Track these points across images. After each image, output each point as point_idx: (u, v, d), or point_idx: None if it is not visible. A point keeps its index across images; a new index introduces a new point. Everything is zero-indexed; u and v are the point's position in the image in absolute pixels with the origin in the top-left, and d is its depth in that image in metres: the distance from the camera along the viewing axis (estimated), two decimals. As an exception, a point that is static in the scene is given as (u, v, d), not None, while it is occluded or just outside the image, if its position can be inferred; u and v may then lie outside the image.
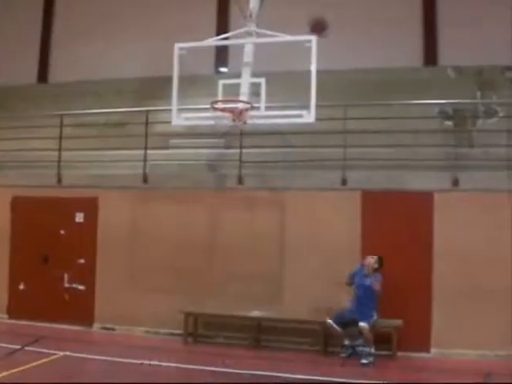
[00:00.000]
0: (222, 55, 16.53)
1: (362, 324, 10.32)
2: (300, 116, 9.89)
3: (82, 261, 12.86)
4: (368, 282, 10.64)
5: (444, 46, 15.38)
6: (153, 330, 12.25)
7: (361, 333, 10.41)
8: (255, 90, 10.11)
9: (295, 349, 11.21)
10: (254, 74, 10.27)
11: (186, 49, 10.34)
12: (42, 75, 18.48)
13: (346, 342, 10.73)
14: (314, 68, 9.63)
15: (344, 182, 11.56)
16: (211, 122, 10.37)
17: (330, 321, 10.55)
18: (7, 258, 13.28)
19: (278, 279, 11.68)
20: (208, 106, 10.11)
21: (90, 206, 12.84)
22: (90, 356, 10.34)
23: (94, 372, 9.60)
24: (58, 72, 18.23)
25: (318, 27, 10.09)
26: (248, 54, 10.40)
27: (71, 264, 12.89)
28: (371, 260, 10.79)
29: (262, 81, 9.95)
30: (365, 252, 11.01)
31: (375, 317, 10.52)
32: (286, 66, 13.48)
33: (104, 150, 13.45)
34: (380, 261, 10.79)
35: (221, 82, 10.21)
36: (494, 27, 14.66)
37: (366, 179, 11.55)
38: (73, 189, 12.97)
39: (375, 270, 10.74)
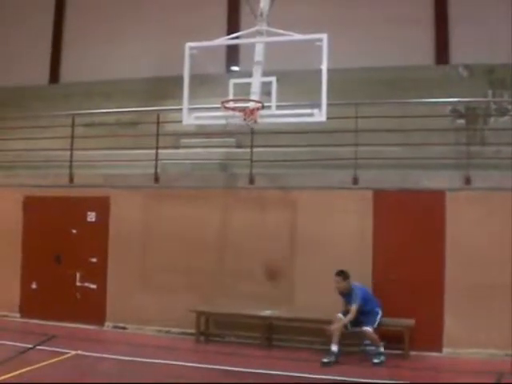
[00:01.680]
0: (232, 54, 16.54)
1: (365, 329, 10.35)
2: (311, 115, 9.85)
3: (94, 260, 12.89)
4: (355, 303, 10.42)
5: (456, 45, 15.32)
6: (164, 329, 12.27)
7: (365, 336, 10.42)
8: (266, 89, 10.09)
9: (307, 348, 11.19)
10: (265, 73, 10.25)
11: (197, 48, 10.31)
12: (54, 75, 18.54)
13: (334, 348, 10.30)
14: (325, 67, 9.58)
15: (355, 181, 11.53)
16: (222, 122, 10.35)
17: (340, 314, 10.50)
18: (19, 257, 13.33)
19: (290, 278, 11.68)
20: (219, 106, 10.10)
21: (102, 206, 12.88)
22: (101, 355, 10.38)
23: (106, 371, 9.61)
24: (70, 72, 18.29)
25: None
26: (259, 53, 10.37)
27: (83, 263, 12.93)
28: (337, 278, 10.60)
29: (273, 80, 9.94)
30: (376, 251, 11.00)
31: (380, 314, 10.49)
32: (297, 64, 13.44)
33: (115, 149, 13.49)
34: (343, 273, 10.61)
35: (232, 82, 10.19)
36: (505, 25, 14.58)
37: (377, 178, 11.52)
38: (84, 188, 13.01)
39: (347, 283, 10.58)
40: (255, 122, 9.97)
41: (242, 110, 9.88)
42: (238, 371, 9.53)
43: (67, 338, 11.42)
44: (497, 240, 10.66)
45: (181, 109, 10.49)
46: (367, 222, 11.37)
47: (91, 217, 13.03)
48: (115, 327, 12.63)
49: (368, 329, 10.34)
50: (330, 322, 10.78)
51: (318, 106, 9.67)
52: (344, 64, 13.59)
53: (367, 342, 10.62)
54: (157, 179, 12.70)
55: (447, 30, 15.42)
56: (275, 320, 11.58)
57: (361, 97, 12.78)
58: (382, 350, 10.31)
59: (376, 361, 10.19)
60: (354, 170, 11.56)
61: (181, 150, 13.84)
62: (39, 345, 10.75)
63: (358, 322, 10.48)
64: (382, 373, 9.81)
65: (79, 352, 10.34)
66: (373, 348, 10.45)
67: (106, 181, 12.97)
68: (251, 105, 9.90)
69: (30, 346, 10.58)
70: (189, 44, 10.29)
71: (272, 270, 10.37)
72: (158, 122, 12.99)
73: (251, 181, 12.13)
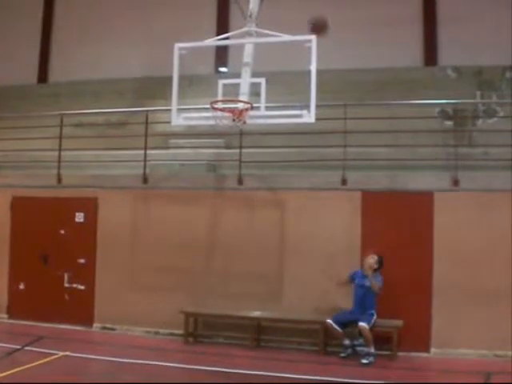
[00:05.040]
0: (221, 55, 16.54)
1: (362, 324, 10.32)
2: (300, 116, 9.87)
3: (82, 261, 12.84)
4: (367, 282, 10.66)
5: (444, 46, 15.40)
6: (153, 330, 12.24)
7: (361, 333, 10.43)
8: (255, 90, 10.11)
9: (295, 349, 11.22)
10: (254, 74, 10.27)
11: (186, 49, 10.30)
12: (42, 75, 18.48)
13: (346, 342, 10.72)
14: (313, 68, 9.61)
15: (344, 181, 11.55)
16: (211, 122, 10.35)
17: (329, 321, 10.56)
18: (7, 257, 13.27)
19: (278, 279, 11.68)
20: (208, 106, 10.09)
21: (90, 206, 12.84)
22: (90, 356, 10.35)
23: (95, 372, 9.60)
24: (58, 72, 18.23)
25: (318, 26, 10.02)
26: (248, 54, 10.39)
27: (71, 264, 12.87)
28: (371, 261, 10.79)
29: (262, 81, 9.96)
30: (365, 252, 11.00)
31: (375, 317, 10.52)
32: (286, 65, 13.49)
33: (104, 150, 13.46)
34: (380, 261, 10.81)
35: (221, 82, 10.21)
36: (494, 27, 14.69)
37: (365, 179, 11.54)
38: (73, 189, 12.97)
39: (375, 271, 10.76)
40: (244, 122, 9.98)
41: (231, 110, 9.90)
42: (226, 372, 9.52)
43: (55, 339, 11.38)
44: (485, 241, 10.71)
45: (170, 109, 10.47)
46: (355, 223, 11.38)
47: (79, 217, 12.98)
48: (103, 328, 12.60)
49: (365, 325, 10.33)
50: (318, 323, 10.84)
51: (307, 107, 9.69)
52: (333, 65, 13.65)
53: (358, 342, 10.66)
54: (145, 180, 12.67)
55: (436, 32, 15.49)
56: (264, 321, 11.59)
57: (349, 98, 12.80)
58: (372, 350, 10.32)
59: (364, 361, 10.21)
60: (343, 171, 11.57)
61: (169, 151, 13.82)
62: (27, 346, 10.69)
63: (352, 321, 10.53)
64: (370, 373, 9.81)
65: (67, 353, 10.30)
66: (363, 348, 10.49)
67: (94, 181, 12.93)
68: (240, 106, 9.92)
69: (18, 347, 10.52)
70: (178, 44, 10.27)
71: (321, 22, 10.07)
72: (146, 123, 12.94)
73: (240, 181, 12.12)
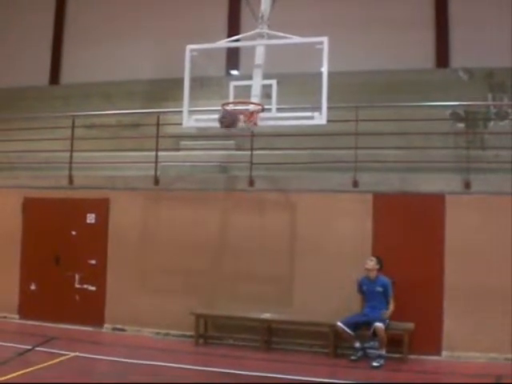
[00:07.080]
0: (233, 57, 16.53)
1: (378, 324, 10.28)
2: (311, 118, 9.86)
3: (93, 262, 12.88)
4: (378, 287, 10.65)
5: (455, 48, 15.35)
6: (163, 332, 12.25)
7: (375, 334, 10.38)
8: (267, 92, 10.10)
9: (305, 351, 11.19)
10: (266, 76, 10.25)
11: (198, 50, 10.32)
12: (54, 77, 18.54)
13: (357, 345, 10.69)
14: (325, 69, 9.60)
15: (355, 183, 11.53)
16: (222, 124, 10.36)
17: (340, 323, 10.53)
18: (19, 258, 13.32)
19: (289, 281, 11.67)
20: (219, 108, 10.10)
21: (102, 207, 12.87)
22: (100, 357, 10.38)
23: (105, 372, 9.61)
24: (70, 73, 18.29)
25: (228, 122, 9.89)
26: (259, 56, 10.37)
27: (82, 265, 12.91)
28: (371, 263, 10.80)
29: (274, 82, 9.95)
30: (376, 254, 10.97)
31: (388, 320, 10.49)
32: (298, 67, 13.41)
33: (115, 151, 13.49)
34: (379, 261, 10.83)
35: (232, 84, 10.20)
36: (505, 29, 14.62)
37: (377, 181, 11.51)
38: (84, 190, 13.01)
39: (378, 271, 10.76)
40: (255, 124, 9.97)
41: (243, 112, 9.89)
42: (236, 374, 9.52)
43: (66, 340, 11.40)
44: (496, 243, 10.65)
45: (181, 111, 10.50)
46: (367, 225, 11.36)
47: (91, 218, 13.01)
48: (114, 329, 12.62)
49: (381, 325, 10.30)
50: (328, 325, 10.81)
51: (319, 108, 9.67)
52: (344, 67, 13.59)
53: (369, 344, 10.64)
54: (156, 181, 12.69)
55: (447, 34, 15.44)
56: (274, 323, 11.57)
57: (361, 100, 12.77)
58: (383, 352, 10.31)
59: (375, 364, 10.17)
60: (354, 173, 11.55)
61: (181, 152, 13.85)
62: (38, 346, 10.73)
63: (363, 323, 10.53)
64: (381, 376, 9.80)
65: (78, 354, 10.32)
66: (374, 351, 10.47)
67: (105, 182, 12.95)
68: (251, 107, 9.90)
69: (29, 347, 10.56)
70: (189, 46, 10.30)
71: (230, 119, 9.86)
72: (158, 124, 12.98)
73: (251, 183, 12.12)
